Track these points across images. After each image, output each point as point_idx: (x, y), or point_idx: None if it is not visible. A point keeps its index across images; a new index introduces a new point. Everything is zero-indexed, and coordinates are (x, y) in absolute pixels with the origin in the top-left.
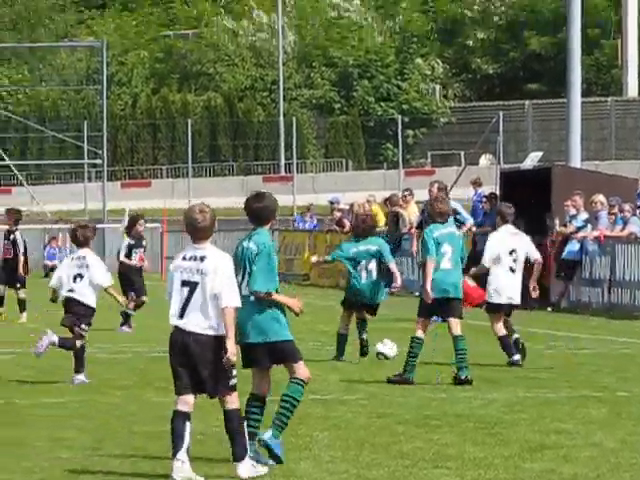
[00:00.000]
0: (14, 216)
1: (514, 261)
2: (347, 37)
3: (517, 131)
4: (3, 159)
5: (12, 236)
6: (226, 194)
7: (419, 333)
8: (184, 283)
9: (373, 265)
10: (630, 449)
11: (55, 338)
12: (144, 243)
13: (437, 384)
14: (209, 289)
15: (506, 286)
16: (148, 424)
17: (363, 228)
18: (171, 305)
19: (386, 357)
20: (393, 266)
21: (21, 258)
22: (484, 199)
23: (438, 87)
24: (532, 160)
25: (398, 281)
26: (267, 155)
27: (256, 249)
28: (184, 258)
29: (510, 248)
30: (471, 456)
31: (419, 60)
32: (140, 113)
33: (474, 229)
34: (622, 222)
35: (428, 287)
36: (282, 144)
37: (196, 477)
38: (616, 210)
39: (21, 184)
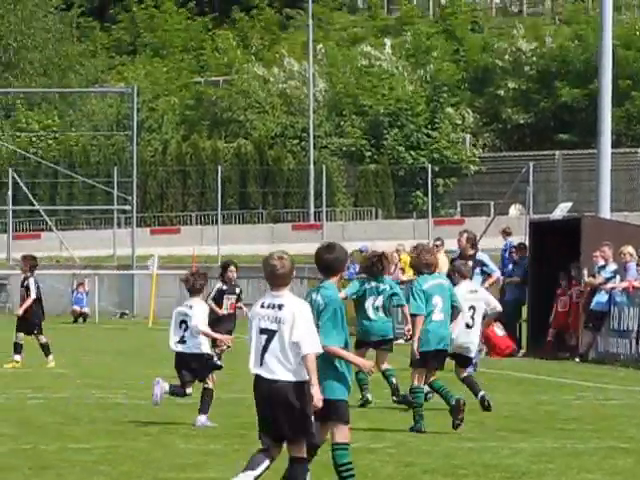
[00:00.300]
0: (29, 262)
1: (471, 317)
2: (378, 86)
3: (547, 181)
4: (33, 204)
5: (26, 282)
6: (255, 241)
7: (416, 383)
8: (262, 331)
9: (380, 302)
10: None
11: (166, 386)
12: (237, 290)
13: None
14: (287, 337)
15: (458, 338)
16: (173, 470)
17: (371, 266)
18: (250, 353)
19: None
20: (407, 310)
21: (27, 302)
22: (513, 249)
23: (468, 136)
24: (562, 210)
25: (409, 325)
26: (296, 203)
27: (323, 303)
28: (262, 305)
29: (469, 305)
30: None
31: (449, 109)
32: (170, 159)
33: (501, 280)
34: None
35: (416, 345)
36: (312, 192)
37: None
38: None
39: (50, 229)
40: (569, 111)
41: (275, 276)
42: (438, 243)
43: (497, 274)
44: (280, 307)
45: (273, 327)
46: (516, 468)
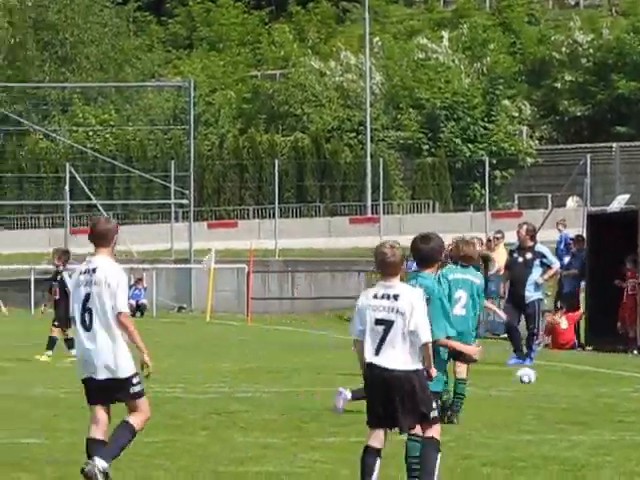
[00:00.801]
0: (63, 256)
1: None
2: (434, 79)
3: (605, 174)
4: (90, 199)
5: (59, 276)
6: (312, 235)
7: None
8: (378, 321)
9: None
10: None
11: (348, 395)
12: None
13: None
14: (406, 326)
15: None
16: (232, 465)
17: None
18: (366, 343)
19: (530, 380)
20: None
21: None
22: (571, 241)
23: (525, 129)
24: (619, 203)
25: None
26: (353, 196)
27: (424, 294)
28: (375, 296)
29: None
30: None
31: (506, 102)
32: (227, 153)
33: (560, 272)
34: None
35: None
36: (369, 185)
37: None
38: None
39: None
40: (626, 103)
41: (386, 264)
42: (498, 235)
43: (557, 266)
44: (396, 297)
45: (391, 317)
46: (575, 460)
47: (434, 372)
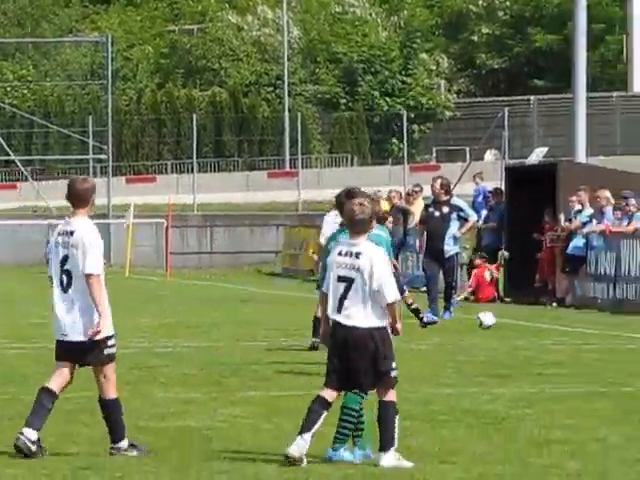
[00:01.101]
0: None
1: None
2: (351, 32)
3: (522, 126)
4: (8, 154)
5: None
6: (230, 190)
7: None
8: (340, 278)
9: None
10: (635, 445)
11: None
12: None
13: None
14: (367, 285)
15: None
16: (153, 420)
17: None
18: (329, 299)
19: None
20: None
21: None
22: (489, 194)
23: (443, 82)
24: (537, 155)
25: None
26: (272, 151)
27: None
28: (339, 253)
29: None
30: (477, 451)
31: (424, 55)
32: (145, 108)
33: (478, 225)
34: (628, 218)
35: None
36: (287, 139)
37: (305, 460)
38: (632, 205)
39: (26, 179)
40: (543, 56)
41: (353, 222)
42: (417, 189)
43: (474, 218)
44: (357, 255)
45: (351, 275)
46: (495, 414)
47: (399, 327)
